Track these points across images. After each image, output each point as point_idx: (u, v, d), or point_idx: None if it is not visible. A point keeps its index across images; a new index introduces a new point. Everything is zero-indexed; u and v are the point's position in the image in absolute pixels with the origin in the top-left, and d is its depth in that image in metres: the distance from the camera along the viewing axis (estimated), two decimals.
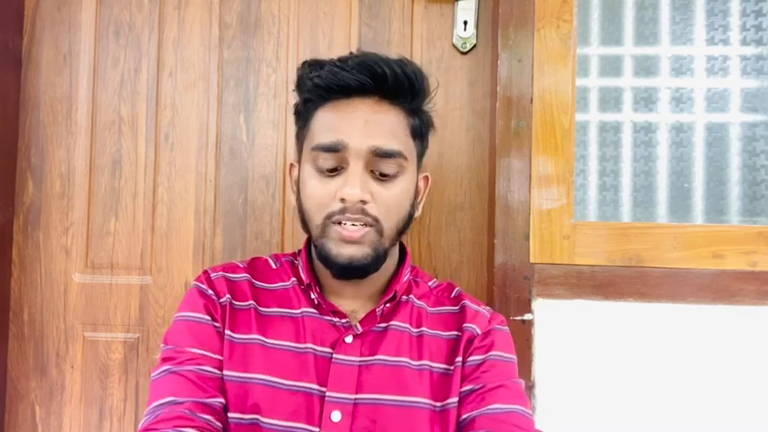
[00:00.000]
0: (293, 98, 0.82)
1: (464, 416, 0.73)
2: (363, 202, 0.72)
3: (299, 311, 0.78)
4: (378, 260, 0.74)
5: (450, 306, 0.82)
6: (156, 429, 0.66)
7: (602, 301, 1.00)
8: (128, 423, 1.12)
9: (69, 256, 1.14)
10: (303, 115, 0.79)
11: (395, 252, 0.81)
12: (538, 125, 1.02)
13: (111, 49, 1.15)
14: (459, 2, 1.10)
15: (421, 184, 0.83)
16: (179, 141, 1.14)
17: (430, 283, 0.85)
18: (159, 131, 1.14)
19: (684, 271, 0.99)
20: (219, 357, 0.74)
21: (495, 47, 1.05)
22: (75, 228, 1.14)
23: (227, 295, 0.77)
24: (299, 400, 0.72)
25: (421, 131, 0.80)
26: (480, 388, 0.73)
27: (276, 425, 0.71)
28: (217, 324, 0.75)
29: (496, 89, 1.03)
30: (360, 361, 0.74)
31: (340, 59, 0.77)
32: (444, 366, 0.76)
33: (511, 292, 1.00)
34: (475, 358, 0.76)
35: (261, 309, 0.78)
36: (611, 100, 1.05)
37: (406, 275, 0.81)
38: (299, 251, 0.84)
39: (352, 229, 0.72)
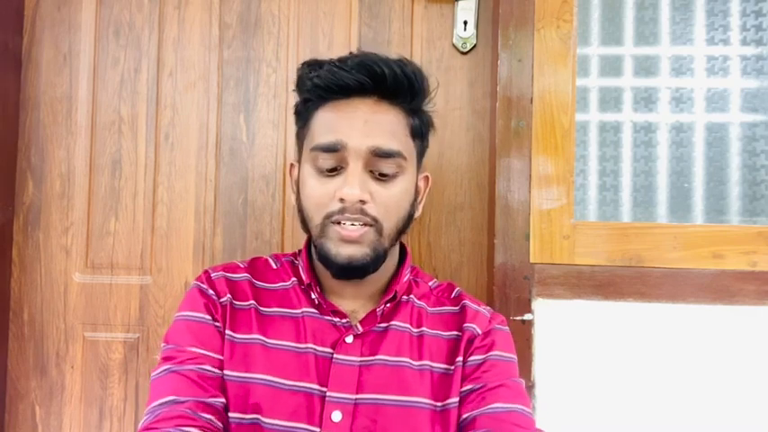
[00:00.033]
0: (293, 98, 0.82)
1: (465, 415, 0.73)
2: (362, 201, 0.72)
3: (299, 311, 0.78)
4: (377, 260, 0.74)
5: (450, 306, 0.82)
6: (158, 428, 0.65)
7: (602, 301, 1.00)
8: (128, 423, 1.12)
9: (69, 256, 1.14)
10: (303, 115, 0.79)
11: (395, 252, 0.81)
12: (538, 125, 1.02)
13: (111, 49, 1.15)
14: (459, 2, 1.10)
15: (421, 184, 0.83)
16: (179, 141, 1.14)
17: (430, 284, 0.85)
18: (159, 131, 1.14)
19: (684, 271, 0.99)
20: (220, 357, 0.74)
21: (495, 47, 1.05)
22: (75, 228, 1.14)
23: (228, 295, 0.77)
24: (299, 401, 0.72)
25: (421, 131, 0.80)
26: (481, 387, 0.73)
27: (277, 425, 0.71)
28: (217, 324, 0.75)
29: (496, 89, 1.03)
30: (360, 361, 0.74)
31: (339, 59, 0.77)
32: (445, 366, 0.76)
33: (511, 292, 1.00)
34: (475, 358, 0.76)
35: (261, 309, 0.78)
36: (611, 100, 1.05)
37: (406, 275, 0.81)
38: (300, 251, 0.84)
39: (351, 229, 0.72)
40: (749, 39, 1.04)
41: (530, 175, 1.01)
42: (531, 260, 1.01)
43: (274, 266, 0.84)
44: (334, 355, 0.74)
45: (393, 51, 1.10)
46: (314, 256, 0.79)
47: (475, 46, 1.12)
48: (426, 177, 0.84)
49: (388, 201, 0.74)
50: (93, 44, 1.15)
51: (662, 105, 1.05)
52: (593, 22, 1.06)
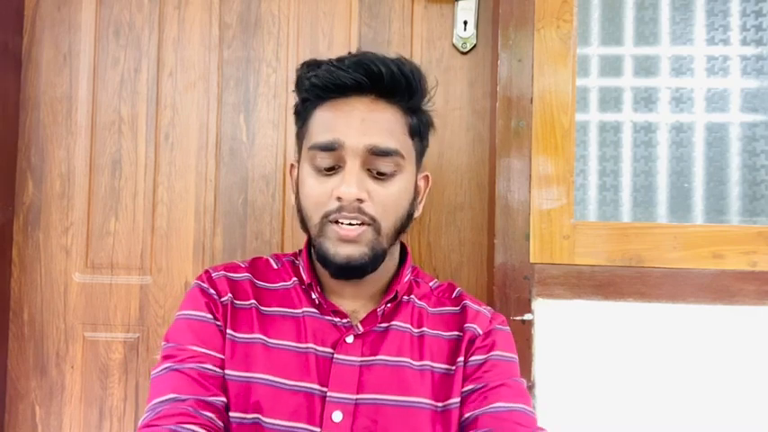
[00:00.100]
0: (293, 98, 0.82)
1: (466, 415, 0.73)
2: (360, 200, 0.72)
3: (300, 311, 0.78)
4: (376, 260, 0.74)
5: (451, 306, 0.82)
6: (158, 425, 0.65)
7: (602, 301, 1.00)
8: (128, 423, 1.12)
9: (69, 256, 1.14)
10: (302, 115, 0.80)
11: (395, 252, 0.81)
12: (538, 125, 1.02)
13: (111, 49, 1.15)
14: (459, 2, 1.10)
15: (421, 183, 0.83)
16: (179, 141, 1.14)
17: (431, 284, 0.85)
18: (159, 131, 1.14)
19: (684, 271, 0.99)
20: (221, 356, 0.74)
21: (495, 47, 1.05)
22: (75, 228, 1.14)
23: (229, 294, 0.77)
24: (300, 401, 0.72)
25: (419, 130, 0.79)
26: (482, 387, 0.74)
27: (277, 425, 0.71)
28: (218, 323, 0.75)
29: (496, 89, 1.03)
30: (361, 361, 0.74)
31: (337, 59, 0.77)
32: (446, 366, 0.76)
33: (511, 292, 1.00)
34: (477, 358, 0.76)
35: (262, 308, 0.78)
36: (611, 100, 1.05)
37: (407, 276, 0.81)
38: (300, 251, 0.84)
39: (348, 229, 0.72)
40: (749, 39, 1.04)
41: (530, 175, 1.01)
42: (531, 260, 1.01)
43: (275, 266, 0.84)
44: (335, 355, 0.74)
45: (393, 51, 1.09)
46: (314, 256, 0.79)
47: (475, 46, 1.12)
48: (426, 177, 0.84)
49: (387, 199, 0.74)
50: (93, 44, 1.15)
51: (662, 105, 1.05)
52: (593, 22, 1.06)
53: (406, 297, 0.80)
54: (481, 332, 0.78)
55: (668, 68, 1.05)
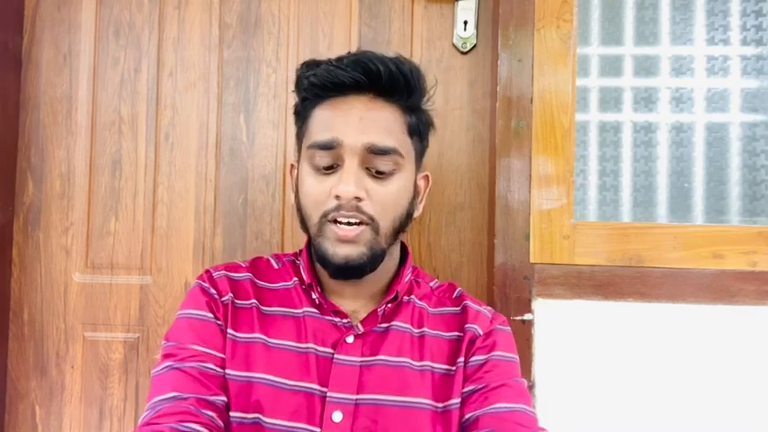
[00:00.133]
0: (293, 98, 0.82)
1: (467, 415, 0.73)
2: (358, 199, 0.71)
3: (300, 311, 0.78)
4: (374, 259, 0.74)
5: (451, 307, 0.82)
6: (159, 423, 0.65)
7: (602, 301, 1.00)
8: (128, 423, 1.12)
9: (69, 256, 1.14)
10: (301, 114, 0.80)
11: (395, 252, 0.81)
12: (538, 125, 1.02)
13: (111, 49, 1.15)
14: (459, 2, 1.10)
15: (421, 183, 0.83)
16: (179, 141, 1.14)
17: (431, 284, 0.85)
18: (159, 131, 1.14)
19: (684, 271, 0.99)
20: (222, 355, 0.74)
21: (495, 47, 1.05)
22: (75, 228, 1.14)
23: (230, 294, 0.77)
24: (300, 401, 0.72)
25: (419, 129, 0.79)
26: (483, 388, 0.73)
27: (278, 425, 0.71)
28: (219, 322, 0.75)
29: (496, 89, 1.03)
30: (361, 361, 0.74)
31: (336, 58, 0.77)
32: (446, 367, 0.76)
33: (511, 292, 1.00)
34: (477, 358, 0.76)
35: (263, 308, 0.78)
36: (611, 100, 1.05)
37: (407, 276, 0.81)
38: (301, 251, 0.84)
39: (347, 229, 0.71)
40: (749, 39, 1.04)
41: (530, 175, 1.01)
42: (531, 260, 1.01)
43: (276, 266, 0.84)
44: (335, 356, 0.74)
45: (393, 51, 1.08)
46: (314, 256, 0.79)
47: (475, 46, 1.12)
48: (426, 177, 0.84)
49: (385, 198, 0.73)
50: (93, 44, 1.15)
51: (662, 105, 1.05)
52: (593, 22, 1.06)
53: (406, 297, 0.80)
54: (482, 332, 0.78)
55: (668, 68, 1.05)
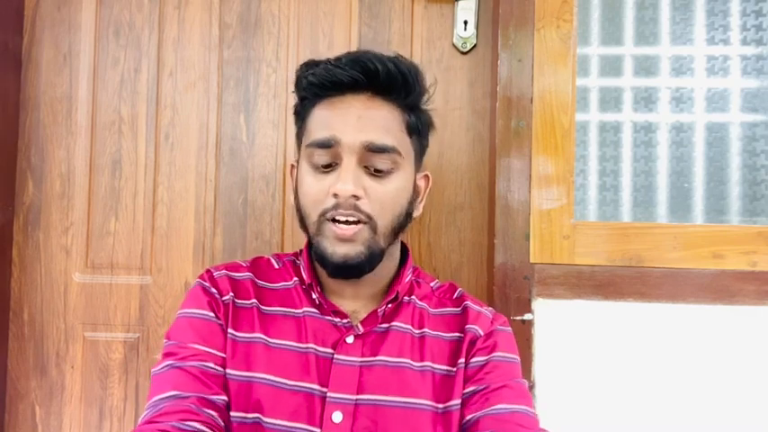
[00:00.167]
0: (293, 98, 0.82)
1: (468, 417, 0.72)
2: (356, 197, 0.71)
3: (300, 311, 0.78)
4: (372, 259, 0.73)
5: (452, 307, 0.82)
6: (161, 422, 0.65)
7: (602, 301, 1.00)
8: (128, 423, 1.12)
9: (69, 256, 1.14)
10: (301, 114, 0.80)
11: (395, 252, 0.81)
12: (538, 125, 1.02)
13: (111, 49, 1.15)
14: (459, 2, 1.10)
15: (421, 183, 0.82)
16: (179, 141, 1.14)
17: (432, 284, 0.85)
18: (159, 131, 1.14)
19: (684, 271, 0.99)
20: (223, 355, 0.74)
21: (495, 47, 1.05)
22: (75, 228, 1.14)
23: (231, 293, 0.77)
24: (300, 401, 0.72)
25: (418, 128, 0.79)
26: (484, 389, 0.73)
27: (278, 425, 0.71)
28: (220, 321, 0.75)
29: (496, 89, 1.03)
30: (361, 361, 0.74)
31: (335, 58, 0.77)
32: (446, 368, 0.76)
33: (511, 292, 1.00)
34: (478, 359, 0.76)
35: (263, 308, 0.78)
36: (611, 100, 1.05)
37: (407, 276, 0.81)
38: (301, 251, 0.84)
39: (344, 228, 0.71)
40: (749, 39, 1.04)
41: (530, 175, 1.01)
42: (531, 260, 1.01)
43: (276, 266, 0.84)
44: (335, 356, 0.74)
45: (393, 51, 1.08)
46: (313, 255, 0.79)
47: (475, 46, 1.12)
48: (426, 176, 0.84)
49: (384, 197, 0.73)
50: (93, 44, 1.15)
51: (662, 105, 1.05)
52: (593, 22, 1.06)
53: (406, 298, 0.80)
54: (482, 333, 0.78)
55: (668, 68, 1.05)
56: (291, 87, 0.82)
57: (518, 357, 0.79)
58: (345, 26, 1.14)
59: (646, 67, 1.05)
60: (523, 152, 1.02)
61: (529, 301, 1.00)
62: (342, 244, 0.72)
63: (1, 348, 1.13)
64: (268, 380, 0.72)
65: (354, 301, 0.79)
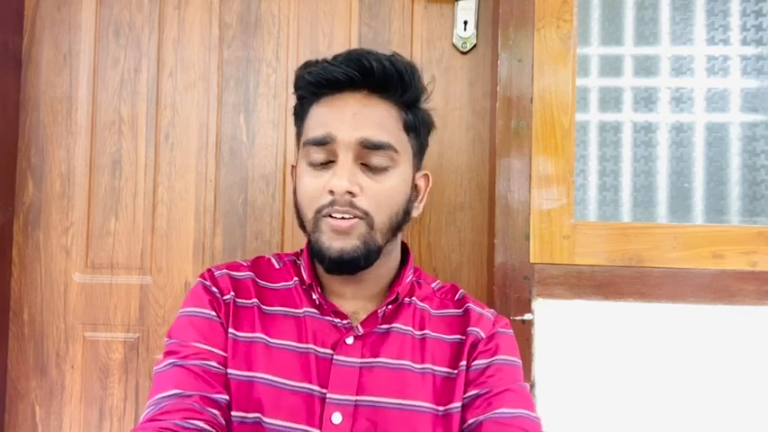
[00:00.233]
0: (293, 99, 0.82)
1: (470, 420, 0.72)
2: (352, 194, 0.71)
3: (301, 311, 0.78)
4: (369, 254, 0.73)
5: (453, 309, 0.81)
6: (163, 420, 0.65)
7: (602, 301, 1.00)
8: (128, 423, 1.12)
9: (69, 256, 1.14)
10: (299, 114, 0.80)
11: (396, 252, 0.81)
12: (538, 125, 1.02)
13: (111, 49, 1.15)
14: (459, 2, 1.10)
15: (421, 182, 0.82)
16: (179, 141, 1.14)
17: (433, 285, 0.85)
18: (159, 131, 1.14)
19: (684, 271, 0.99)
20: (224, 353, 0.74)
21: (495, 47, 1.05)
22: (75, 228, 1.14)
23: (231, 293, 0.77)
24: (299, 401, 0.72)
25: (415, 126, 0.79)
26: (486, 392, 0.73)
27: (278, 425, 0.71)
28: (221, 320, 0.75)
29: (496, 89, 1.03)
30: (361, 362, 0.74)
31: (333, 57, 0.77)
32: (447, 370, 0.75)
33: (511, 292, 1.00)
34: (480, 362, 0.75)
35: (264, 307, 0.78)
36: (611, 100, 1.05)
37: (408, 277, 0.81)
38: (302, 251, 0.84)
39: (341, 220, 0.71)
40: (749, 39, 1.04)
41: (530, 175, 1.01)
42: (531, 260, 1.01)
43: (277, 266, 0.83)
44: (334, 356, 0.74)
45: (393, 51, 1.09)
46: (311, 252, 0.79)
47: (475, 46, 1.12)
48: (426, 176, 0.83)
49: (380, 194, 0.73)
50: (93, 44, 1.15)
51: (662, 105, 1.05)
52: (593, 22, 1.06)
53: (407, 299, 0.80)
54: (484, 336, 0.77)
55: (668, 68, 1.05)
56: (291, 87, 0.82)
57: (520, 360, 0.79)
58: (345, 26, 1.14)
59: (646, 67, 1.05)
60: (523, 152, 1.02)
61: (529, 301, 1.00)
62: (338, 238, 0.72)
63: (1, 348, 1.13)
64: (268, 380, 0.72)
65: (354, 302, 0.79)
